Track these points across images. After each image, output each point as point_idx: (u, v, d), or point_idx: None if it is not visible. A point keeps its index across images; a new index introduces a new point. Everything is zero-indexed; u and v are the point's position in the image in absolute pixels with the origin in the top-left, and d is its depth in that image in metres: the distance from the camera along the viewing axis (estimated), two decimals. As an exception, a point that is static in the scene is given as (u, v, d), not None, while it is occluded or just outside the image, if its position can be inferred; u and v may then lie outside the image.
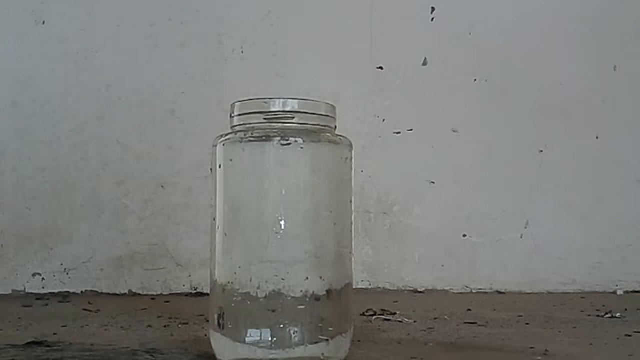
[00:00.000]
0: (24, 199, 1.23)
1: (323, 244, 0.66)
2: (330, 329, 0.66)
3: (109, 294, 1.22)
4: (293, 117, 0.66)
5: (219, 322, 0.66)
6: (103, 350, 0.75)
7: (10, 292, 1.21)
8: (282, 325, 0.64)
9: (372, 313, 0.98)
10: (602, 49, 1.34)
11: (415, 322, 0.95)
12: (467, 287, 1.29)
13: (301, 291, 0.64)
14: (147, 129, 1.26)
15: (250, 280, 0.64)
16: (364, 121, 1.29)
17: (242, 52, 1.28)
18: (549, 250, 1.31)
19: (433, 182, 1.30)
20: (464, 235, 1.30)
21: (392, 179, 1.30)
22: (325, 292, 0.65)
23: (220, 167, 0.67)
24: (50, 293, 1.21)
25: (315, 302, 0.65)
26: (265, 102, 0.67)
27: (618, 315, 1.02)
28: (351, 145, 0.70)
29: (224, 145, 0.67)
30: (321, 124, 0.68)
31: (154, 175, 1.25)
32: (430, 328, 0.91)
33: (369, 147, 1.28)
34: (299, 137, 0.65)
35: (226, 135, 0.68)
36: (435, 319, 0.98)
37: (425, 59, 1.31)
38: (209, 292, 0.69)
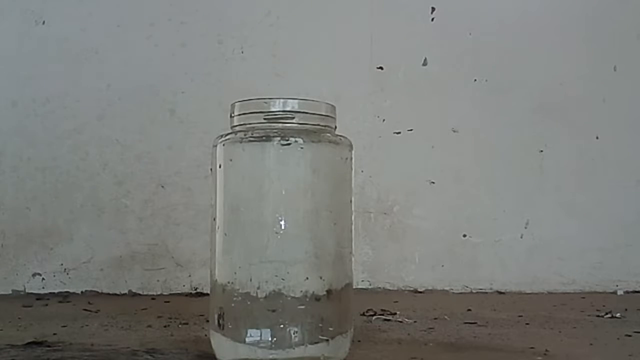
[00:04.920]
0: (24, 199, 1.23)
1: (323, 244, 0.66)
2: (330, 329, 0.65)
3: (109, 294, 1.22)
4: (293, 117, 0.66)
5: (219, 322, 0.66)
6: (103, 350, 0.74)
7: (10, 292, 1.21)
8: (282, 325, 0.64)
9: (372, 313, 0.98)
10: (602, 49, 1.34)
11: (415, 322, 0.95)
12: (467, 287, 1.29)
13: (301, 291, 0.64)
14: (147, 129, 1.26)
15: (250, 280, 0.64)
16: (364, 121, 1.29)
17: (242, 52, 1.28)
18: (549, 250, 1.31)
19: (433, 182, 1.30)
20: (464, 235, 1.30)
21: (392, 179, 1.30)
22: (325, 292, 0.65)
23: (220, 167, 0.67)
24: (50, 293, 1.21)
25: (315, 302, 0.65)
26: (265, 102, 0.67)
27: (618, 315, 1.02)
28: (351, 145, 0.70)
29: (224, 145, 0.67)
30: (321, 124, 0.68)
31: (154, 175, 1.25)
32: (430, 328, 0.91)
33: (369, 147, 1.28)
34: (299, 137, 0.65)
35: (226, 135, 0.68)
36: (435, 319, 0.98)
37: (425, 59, 1.31)
38: (209, 292, 0.69)
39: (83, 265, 1.23)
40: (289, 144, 0.65)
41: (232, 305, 0.65)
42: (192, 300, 1.17)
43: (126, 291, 1.23)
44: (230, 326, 0.65)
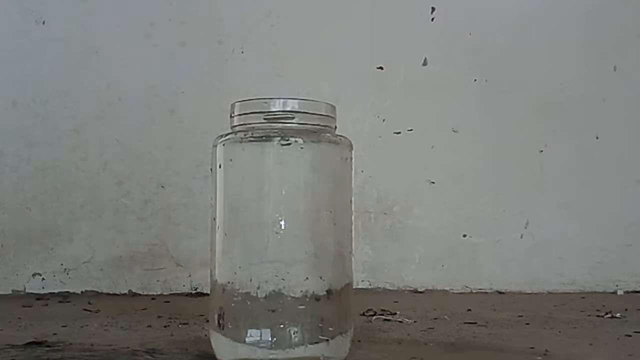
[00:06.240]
0: (24, 199, 1.23)
1: (323, 244, 0.66)
2: (330, 329, 0.65)
3: (109, 294, 1.22)
4: (293, 117, 0.66)
5: (219, 322, 0.66)
6: (103, 350, 0.74)
7: (10, 292, 1.21)
8: (282, 325, 0.64)
9: (372, 313, 0.98)
10: (602, 49, 1.34)
11: (415, 322, 0.95)
12: (467, 287, 1.29)
13: (301, 291, 0.64)
14: (147, 129, 1.26)
15: (250, 280, 0.64)
16: (364, 121, 1.29)
17: (242, 52, 1.28)
18: (549, 250, 1.31)
19: (433, 182, 1.30)
20: (464, 235, 1.30)
21: (392, 179, 1.30)
22: (325, 292, 0.65)
23: (220, 167, 0.67)
24: (50, 293, 1.21)
25: (315, 302, 0.65)
26: (265, 102, 0.67)
27: (618, 315, 1.02)
28: (351, 145, 0.69)
29: (224, 145, 0.67)
30: (321, 124, 0.68)
31: (154, 175, 1.25)
32: (430, 328, 0.91)
33: (369, 147, 1.28)
34: (299, 137, 0.65)
35: (226, 135, 0.68)
36: (435, 319, 0.98)
37: (425, 59, 1.31)
38: (209, 292, 0.69)
39: (83, 265, 1.23)
40: (289, 144, 0.65)
41: (232, 305, 0.65)
42: (192, 300, 1.17)
43: (126, 291, 1.23)
44: (230, 326, 0.65)
